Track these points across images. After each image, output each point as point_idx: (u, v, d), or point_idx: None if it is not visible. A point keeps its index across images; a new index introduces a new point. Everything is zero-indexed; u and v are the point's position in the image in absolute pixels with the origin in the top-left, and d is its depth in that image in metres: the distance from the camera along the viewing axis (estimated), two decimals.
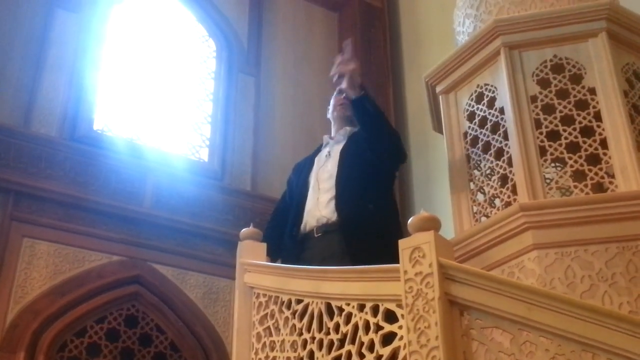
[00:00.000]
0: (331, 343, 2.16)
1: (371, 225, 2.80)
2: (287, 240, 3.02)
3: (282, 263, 2.88)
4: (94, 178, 4.96)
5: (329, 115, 3.34)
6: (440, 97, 3.18)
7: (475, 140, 2.95)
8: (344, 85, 2.97)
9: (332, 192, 2.94)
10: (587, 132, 2.67)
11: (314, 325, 2.25)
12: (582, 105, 2.72)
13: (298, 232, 2.97)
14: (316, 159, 3.20)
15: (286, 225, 3.09)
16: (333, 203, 2.91)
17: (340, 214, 2.85)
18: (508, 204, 2.67)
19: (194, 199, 5.31)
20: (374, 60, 6.26)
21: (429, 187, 5.45)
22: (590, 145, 2.64)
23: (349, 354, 2.06)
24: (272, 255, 2.85)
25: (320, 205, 2.94)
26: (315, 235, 2.89)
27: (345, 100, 3.16)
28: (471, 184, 2.93)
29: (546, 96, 2.76)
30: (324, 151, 3.21)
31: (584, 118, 2.69)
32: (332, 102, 3.32)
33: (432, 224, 1.94)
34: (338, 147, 3.13)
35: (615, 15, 2.81)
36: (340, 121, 3.24)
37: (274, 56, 6.54)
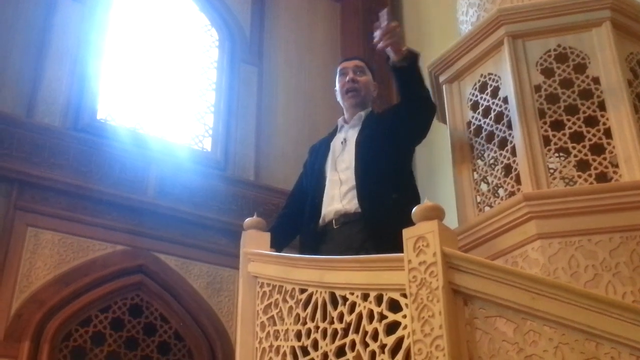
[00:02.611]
0: (335, 332, 2.16)
1: (395, 213, 2.69)
2: (305, 234, 2.97)
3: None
4: (98, 167, 4.98)
5: (339, 99, 3.21)
6: (443, 86, 3.17)
7: (478, 130, 2.95)
8: (391, 56, 2.86)
9: (351, 183, 2.86)
10: (591, 121, 2.67)
11: (318, 315, 2.25)
12: (586, 94, 2.71)
13: (316, 226, 2.90)
14: (332, 145, 3.09)
15: (300, 213, 3.03)
16: (351, 194, 2.83)
17: (362, 207, 2.78)
18: (512, 194, 2.67)
19: (197, 189, 5.33)
20: (376, 50, 6.24)
21: (433, 176, 5.44)
22: (594, 135, 2.63)
23: (353, 343, 2.07)
24: (277, 247, 2.83)
25: (338, 197, 2.86)
26: (335, 227, 2.83)
27: (352, 85, 3.09)
28: (475, 173, 2.93)
29: (550, 86, 2.76)
30: (339, 137, 3.09)
31: (588, 108, 2.68)
32: (337, 84, 3.19)
33: (436, 214, 1.95)
34: (354, 134, 3.03)
35: (619, 4, 2.80)
36: (353, 107, 3.12)
37: (276, 46, 6.53)
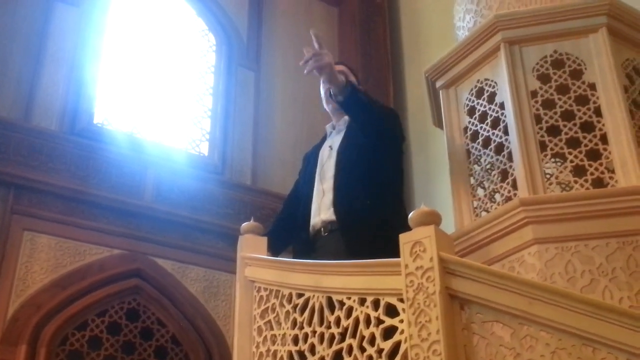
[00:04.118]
0: (332, 337, 2.17)
1: (370, 221, 2.74)
2: (297, 244, 2.97)
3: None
4: (95, 172, 4.97)
5: (324, 106, 3.21)
6: (440, 92, 3.18)
7: (475, 135, 2.95)
8: (325, 82, 2.86)
9: (332, 194, 2.87)
10: (587, 127, 2.68)
11: (315, 319, 2.26)
12: (582, 100, 2.73)
13: (308, 235, 2.91)
14: (320, 153, 3.10)
15: (294, 219, 3.06)
16: (332, 206, 2.84)
17: (337, 216, 2.80)
18: (508, 199, 2.68)
19: (194, 193, 5.32)
20: (374, 55, 6.26)
21: (429, 182, 5.45)
22: (590, 141, 2.64)
23: (350, 347, 2.07)
24: (274, 251, 2.84)
25: (322, 208, 2.88)
26: (324, 235, 2.84)
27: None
28: (471, 179, 2.93)
29: (546, 91, 2.77)
30: (327, 143, 3.11)
31: (584, 113, 2.70)
32: (322, 92, 3.18)
33: (433, 219, 1.95)
34: (339, 139, 3.04)
35: (615, 11, 2.82)
36: (337, 111, 3.11)
37: (273, 50, 6.53)
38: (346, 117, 3.08)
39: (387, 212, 2.82)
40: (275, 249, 2.90)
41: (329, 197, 2.88)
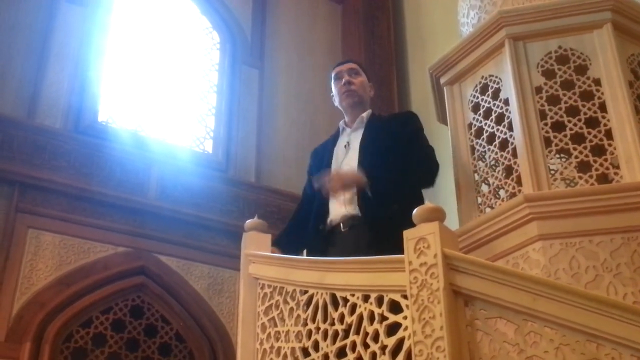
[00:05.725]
0: (336, 333, 2.16)
1: (396, 222, 2.70)
2: (312, 234, 2.94)
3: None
4: (99, 169, 4.97)
5: (337, 104, 3.20)
6: (444, 88, 3.17)
7: (479, 132, 2.95)
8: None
9: (356, 189, 2.84)
10: (592, 123, 2.67)
11: (319, 316, 2.26)
12: (587, 96, 2.72)
13: (325, 227, 2.88)
14: (335, 150, 3.07)
15: (306, 221, 3.03)
16: (356, 200, 2.81)
17: (364, 213, 2.78)
18: (513, 195, 2.67)
19: (198, 191, 5.32)
20: (377, 51, 6.25)
21: None
22: (595, 136, 2.64)
23: (354, 344, 2.07)
24: (290, 250, 2.84)
25: (344, 202, 2.84)
26: (342, 230, 2.82)
27: (348, 86, 3.07)
28: (475, 175, 2.93)
29: (551, 87, 2.76)
30: (342, 141, 3.08)
31: (589, 109, 2.69)
32: (334, 89, 3.19)
33: (437, 215, 1.95)
34: (357, 137, 3.01)
35: (620, 6, 2.81)
36: (352, 109, 3.11)
37: (277, 48, 6.53)
38: (362, 115, 3.07)
39: (412, 205, 2.79)
40: (287, 252, 2.88)
41: (350, 192, 2.84)
